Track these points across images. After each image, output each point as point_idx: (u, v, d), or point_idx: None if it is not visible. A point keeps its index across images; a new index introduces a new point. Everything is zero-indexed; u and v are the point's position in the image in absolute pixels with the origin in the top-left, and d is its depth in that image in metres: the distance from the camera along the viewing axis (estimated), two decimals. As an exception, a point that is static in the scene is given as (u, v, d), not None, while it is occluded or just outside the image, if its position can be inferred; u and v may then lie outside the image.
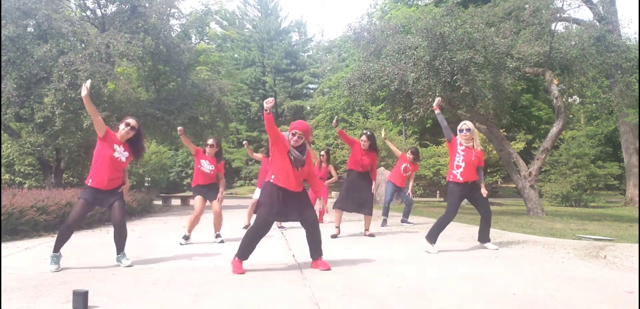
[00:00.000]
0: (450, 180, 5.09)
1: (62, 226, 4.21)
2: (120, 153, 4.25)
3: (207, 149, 5.84)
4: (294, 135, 3.95)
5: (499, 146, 11.25)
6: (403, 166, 8.06)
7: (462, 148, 5.04)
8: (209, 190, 5.87)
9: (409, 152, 8.18)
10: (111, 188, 4.24)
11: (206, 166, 5.83)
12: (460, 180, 4.98)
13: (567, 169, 17.46)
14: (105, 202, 4.26)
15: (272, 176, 3.98)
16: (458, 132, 5.16)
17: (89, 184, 4.19)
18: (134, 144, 4.39)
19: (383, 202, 8.49)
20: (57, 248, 4.12)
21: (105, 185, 4.19)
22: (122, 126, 4.30)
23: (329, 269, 3.99)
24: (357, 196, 6.20)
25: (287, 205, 3.99)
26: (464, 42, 9.28)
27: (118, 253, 4.32)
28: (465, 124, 5.14)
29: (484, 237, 5.31)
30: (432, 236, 5.06)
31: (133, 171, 18.51)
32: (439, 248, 5.09)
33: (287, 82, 37.03)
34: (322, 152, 8.40)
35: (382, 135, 8.09)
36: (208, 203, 5.88)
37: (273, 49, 35.69)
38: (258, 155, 8.01)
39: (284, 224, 7.36)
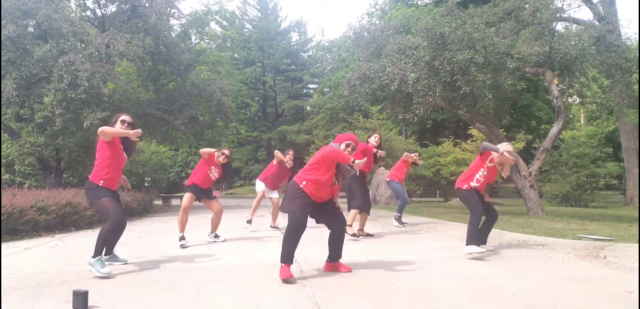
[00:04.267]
0: (467, 187, 4.94)
1: (105, 230, 4.01)
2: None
3: (221, 158, 5.92)
4: (349, 146, 3.97)
5: (499, 146, 11.24)
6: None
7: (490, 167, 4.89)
8: (203, 192, 6.00)
9: (414, 154, 8.25)
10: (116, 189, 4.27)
11: (214, 172, 5.93)
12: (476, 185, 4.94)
13: (567, 169, 17.45)
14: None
15: (304, 183, 3.78)
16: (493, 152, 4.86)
17: (100, 184, 4.02)
18: (128, 142, 4.25)
19: (383, 201, 8.51)
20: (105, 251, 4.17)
21: (116, 186, 4.21)
22: (118, 125, 4.09)
23: (350, 271, 3.93)
24: (367, 198, 6.39)
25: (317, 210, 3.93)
26: (464, 42, 9.27)
27: (110, 254, 4.33)
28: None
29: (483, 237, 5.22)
30: (473, 238, 4.72)
31: (133, 172, 18.50)
32: (442, 245, 5.08)
33: (287, 81, 37.01)
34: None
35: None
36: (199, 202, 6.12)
37: (273, 48, 35.65)
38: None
39: (278, 224, 7.31)
